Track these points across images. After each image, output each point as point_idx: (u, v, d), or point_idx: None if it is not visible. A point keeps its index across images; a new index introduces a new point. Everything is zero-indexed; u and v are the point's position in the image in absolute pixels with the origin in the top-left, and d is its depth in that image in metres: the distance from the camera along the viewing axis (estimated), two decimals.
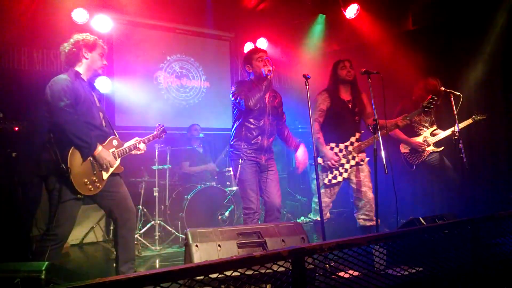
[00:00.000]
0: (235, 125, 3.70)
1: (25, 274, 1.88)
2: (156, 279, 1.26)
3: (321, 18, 6.42)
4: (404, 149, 4.70)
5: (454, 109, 3.85)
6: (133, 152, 3.23)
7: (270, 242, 2.74)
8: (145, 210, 5.10)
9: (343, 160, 3.79)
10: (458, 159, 3.75)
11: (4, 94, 4.90)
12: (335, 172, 3.80)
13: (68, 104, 2.77)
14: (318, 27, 6.57)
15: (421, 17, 5.67)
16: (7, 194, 4.19)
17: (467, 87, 4.94)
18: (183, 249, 2.74)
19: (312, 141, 3.44)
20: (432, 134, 4.60)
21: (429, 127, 4.63)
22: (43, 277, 1.88)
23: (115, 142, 3.10)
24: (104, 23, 5.54)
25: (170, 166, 5.18)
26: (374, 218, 3.68)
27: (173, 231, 5.00)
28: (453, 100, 3.90)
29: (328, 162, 3.76)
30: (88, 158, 2.87)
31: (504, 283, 2.42)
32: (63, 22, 5.11)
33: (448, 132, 4.49)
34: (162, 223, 4.98)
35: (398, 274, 2.10)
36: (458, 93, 3.87)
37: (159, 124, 3.54)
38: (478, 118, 4.40)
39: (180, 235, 4.96)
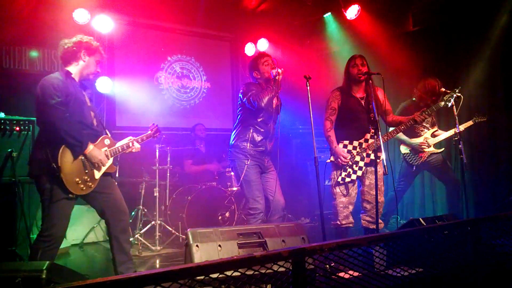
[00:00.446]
0: (240, 126, 3.71)
1: (26, 274, 1.88)
2: (157, 279, 1.26)
3: (323, 15, 6.41)
4: (404, 150, 4.70)
5: (455, 110, 3.85)
6: (127, 151, 3.20)
7: (271, 243, 2.75)
8: (145, 210, 5.10)
9: (357, 158, 3.70)
10: (458, 160, 3.75)
11: (5, 94, 4.91)
12: (349, 170, 3.69)
13: (59, 102, 2.76)
14: (320, 26, 6.56)
15: (421, 18, 5.67)
16: (8, 193, 4.19)
17: (467, 88, 4.94)
18: (183, 250, 2.74)
19: (313, 142, 3.42)
20: (433, 135, 4.60)
21: (430, 128, 4.63)
22: (44, 276, 1.88)
23: (107, 141, 3.08)
24: (105, 24, 5.54)
25: (171, 166, 5.18)
26: (380, 222, 3.66)
27: (173, 231, 5.00)
28: (453, 101, 3.90)
29: (339, 159, 3.69)
30: (80, 157, 2.85)
31: (504, 284, 2.43)
32: (64, 22, 5.11)
33: (449, 133, 4.49)
34: (163, 223, 4.98)
35: (398, 274, 2.10)
36: (459, 94, 3.87)
37: (153, 124, 3.52)
38: (479, 119, 4.40)
39: (181, 235, 4.96)
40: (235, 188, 5.47)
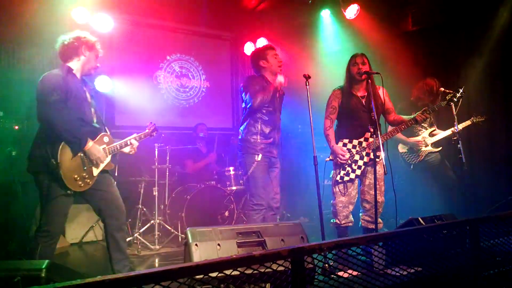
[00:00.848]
0: (248, 119, 3.71)
1: (25, 273, 1.88)
2: (156, 278, 1.27)
3: (322, 15, 6.41)
4: (402, 149, 4.72)
5: (454, 109, 3.85)
6: (125, 150, 3.21)
7: (270, 242, 2.75)
8: (144, 209, 5.10)
9: (356, 157, 3.69)
10: (457, 159, 3.75)
11: (4, 94, 4.90)
12: (348, 168, 3.69)
13: (58, 99, 2.77)
14: (319, 26, 6.56)
15: (420, 18, 5.68)
16: (7, 192, 4.20)
17: (466, 88, 4.94)
18: (183, 249, 2.74)
19: (312, 141, 3.42)
20: (431, 135, 4.61)
21: (428, 127, 4.64)
22: (43, 275, 1.88)
23: (106, 139, 3.09)
24: (104, 22, 5.54)
25: (170, 165, 5.18)
26: (380, 221, 3.66)
27: (172, 230, 5.00)
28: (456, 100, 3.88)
29: (337, 158, 3.69)
30: (78, 154, 2.86)
31: (503, 284, 2.43)
32: (63, 21, 5.10)
33: (447, 132, 4.50)
34: (162, 222, 4.99)
35: (397, 274, 2.10)
36: (462, 94, 3.85)
37: (150, 123, 3.53)
38: (477, 119, 4.41)
39: (180, 234, 4.97)
40: (234, 187, 5.48)
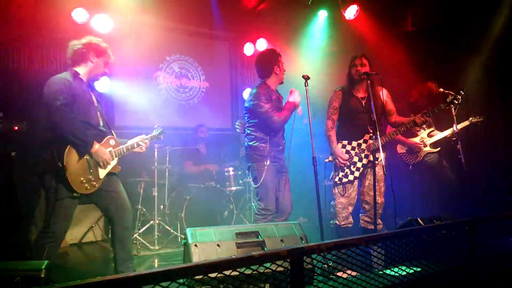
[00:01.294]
0: (258, 128, 3.66)
1: (25, 273, 1.88)
2: (155, 278, 1.27)
3: (321, 16, 6.41)
4: (400, 149, 4.72)
5: (453, 110, 3.85)
6: (136, 150, 3.24)
7: (269, 242, 2.76)
8: (144, 209, 5.10)
9: (355, 158, 3.68)
10: (456, 159, 3.75)
11: (4, 94, 4.90)
12: (346, 170, 3.69)
13: (64, 103, 2.79)
14: (319, 27, 6.57)
15: (420, 18, 5.69)
16: (6, 193, 4.20)
17: (465, 88, 4.95)
18: (182, 249, 2.74)
19: (311, 142, 3.42)
20: (429, 135, 4.61)
21: (426, 128, 4.65)
22: (42, 275, 1.88)
23: (112, 142, 3.12)
24: (104, 23, 5.55)
25: (169, 166, 5.18)
26: (379, 222, 3.65)
27: (172, 230, 5.00)
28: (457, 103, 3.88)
29: (337, 160, 3.69)
30: (85, 157, 2.89)
31: (501, 284, 2.44)
32: (63, 21, 5.11)
33: (446, 133, 4.50)
34: (161, 222, 4.99)
35: (396, 274, 2.10)
36: (463, 97, 3.83)
37: (157, 125, 3.56)
38: (476, 120, 4.42)
39: (179, 235, 4.97)
40: (233, 188, 5.48)
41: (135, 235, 4.70)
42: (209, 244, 2.56)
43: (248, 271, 1.53)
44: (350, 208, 3.71)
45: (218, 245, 2.58)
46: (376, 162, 3.54)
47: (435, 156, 4.60)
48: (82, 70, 3.04)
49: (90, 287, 1.16)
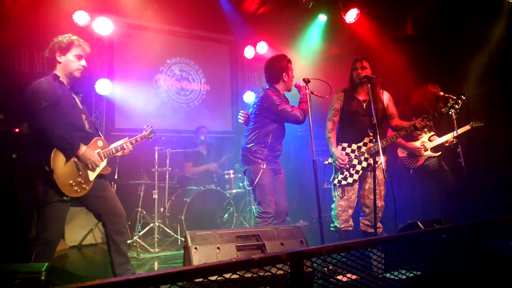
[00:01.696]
0: (258, 131, 3.65)
1: (25, 275, 1.88)
2: (155, 281, 1.27)
3: (322, 20, 6.42)
4: (401, 153, 4.72)
5: (453, 114, 3.85)
6: (121, 152, 3.18)
7: (269, 245, 2.75)
8: (144, 212, 5.10)
9: (355, 161, 3.68)
10: (456, 163, 3.75)
11: (5, 96, 4.91)
12: (346, 172, 3.68)
13: (48, 105, 2.75)
14: (319, 30, 6.58)
15: (420, 22, 5.70)
16: (7, 195, 4.20)
17: (465, 92, 4.96)
18: (182, 252, 2.74)
19: (311, 144, 3.42)
20: (430, 139, 4.61)
21: (427, 132, 4.65)
22: (43, 278, 1.88)
23: (100, 143, 3.08)
24: (105, 26, 5.57)
25: (169, 168, 5.19)
26: (380, 226, 3.65)
27: (172, 233, 5.00)
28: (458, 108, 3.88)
29: (336, 162, 3.68)
30: (72, 159, 2.84)
31: None
32: (64, 24, 5.12)
33: (446, 137, 4.50)
34: (161, 225, 4.99)
35: (396, 278, 2.10)
36: (464, 102, 3.82)
37: (147, 125, 3.49)
38: (476, 124, 4.42)
39: (179, 238, 4.96)
40: (234, 191, 5.48)
41: (135, 238, 4.70)
42: (209, 247, 2.56)
43: (248, 274, 1.53)
44: (350, 211, 3.70)
45: (218, 248, 2.58)
46: (376, 165, 3.53)
47: (435, 160, 4.60)
48: (59, 72, 2.98)
49: None
